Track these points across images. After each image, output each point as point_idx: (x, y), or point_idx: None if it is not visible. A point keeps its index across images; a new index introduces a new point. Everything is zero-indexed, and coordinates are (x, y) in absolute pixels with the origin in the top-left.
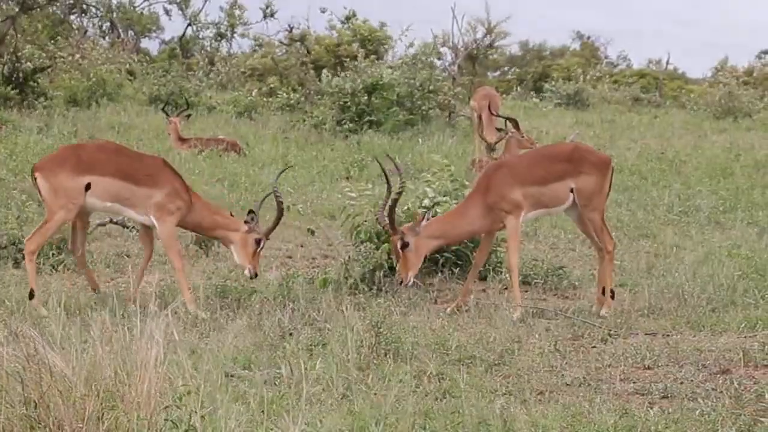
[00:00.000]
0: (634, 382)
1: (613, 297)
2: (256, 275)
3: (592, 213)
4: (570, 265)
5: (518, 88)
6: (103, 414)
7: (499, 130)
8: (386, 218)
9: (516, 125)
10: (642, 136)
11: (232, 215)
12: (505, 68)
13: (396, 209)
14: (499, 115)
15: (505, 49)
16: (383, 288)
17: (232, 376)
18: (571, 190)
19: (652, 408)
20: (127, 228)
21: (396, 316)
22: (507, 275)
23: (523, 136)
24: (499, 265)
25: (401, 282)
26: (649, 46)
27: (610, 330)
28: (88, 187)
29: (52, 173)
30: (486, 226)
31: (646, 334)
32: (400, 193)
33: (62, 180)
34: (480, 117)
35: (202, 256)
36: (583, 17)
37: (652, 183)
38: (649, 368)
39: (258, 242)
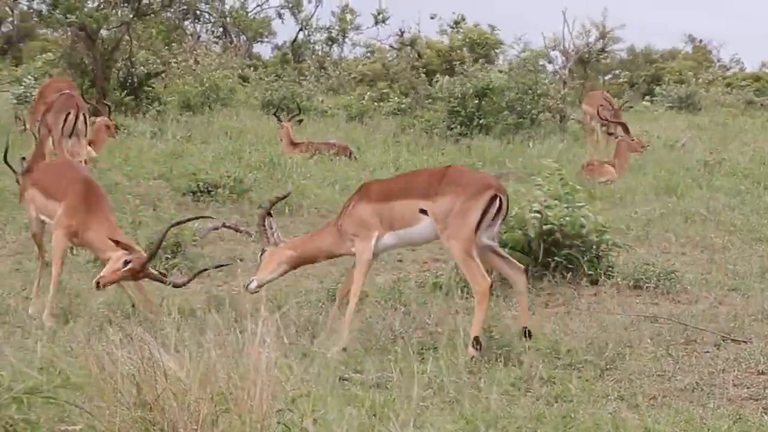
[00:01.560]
0: (747, 388)
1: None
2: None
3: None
4: (682, 269)
5: (629, 92)
6: (217, 417)
7: (609, 134)
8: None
9: (626, 129)
10: (755, 140)
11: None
12: (616, 71)
13: (269, 214)
14: (607, 120)
15: (615, 53)
16: (494, 292)
17: (343, 379)
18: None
19: (766, 414)
20: (240, 232)
21: (507, 320)
22: (620, 280)
23: (633, 140)
24: (610, 269)
25: (245, 285)
26: (762, 49)
27: (724, 335)
28: None
29: None
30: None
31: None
32: (272, 205)
33: None
34: (601, 116)
35: None
36: (692, 20)
37: (764, 187)
38: (763, 373)
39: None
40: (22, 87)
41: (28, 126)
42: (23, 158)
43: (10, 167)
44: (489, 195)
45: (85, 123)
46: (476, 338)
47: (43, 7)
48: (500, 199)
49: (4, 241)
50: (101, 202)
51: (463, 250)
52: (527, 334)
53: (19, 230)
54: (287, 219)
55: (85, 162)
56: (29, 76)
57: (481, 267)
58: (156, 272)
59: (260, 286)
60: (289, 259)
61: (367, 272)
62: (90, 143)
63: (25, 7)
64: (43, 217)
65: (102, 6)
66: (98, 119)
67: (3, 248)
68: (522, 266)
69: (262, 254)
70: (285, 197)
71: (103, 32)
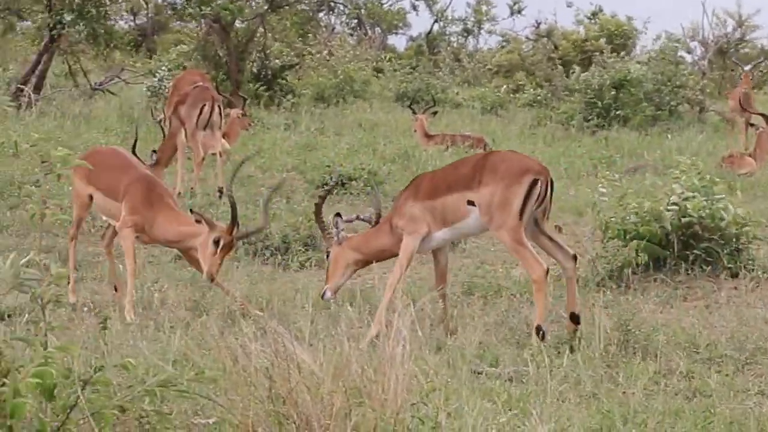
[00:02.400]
0: None
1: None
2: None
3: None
4: None
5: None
6: (350, 410)
7: (750, 125)
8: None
9: (767, 120)
10: None
11: None
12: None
13: (322, 209)
14: (749, 111)
15: (756, 42)
16: (632, 285)
17: (478, 373)
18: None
19: None
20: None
21: (644, 314)
22: (760, 273)
23: None
24: (750, 262)
25: (321, 295)
26: None
27: None
28: None
29: None
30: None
31: None
32: (324, 196)
33: None
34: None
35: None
36: None
37: None
38: None
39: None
40: (156, 79)
41: (167, 116)
42: (154, 151)
43: (139, 159)
44: (528, 180)
45: (220, 115)
46: (538, 327)
47: (177, 0)
48: (542, 182)
49: None
50: (160, 194)
51: (512, 239)
52: (575, 320)
53: None
54: None
55: (220, 154)
56: (163, 68)
57: (535, 253)
58: (246, 231)
59: (334, 293)
60: (355, 262)
61: (408, 266)
62: (224, 135)
63: (160, 0)
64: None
65: None
66: (232, 111)
67: None
68: (572, 252)
69: (327, 257)
70: (335, 186)
71: (238, 24)
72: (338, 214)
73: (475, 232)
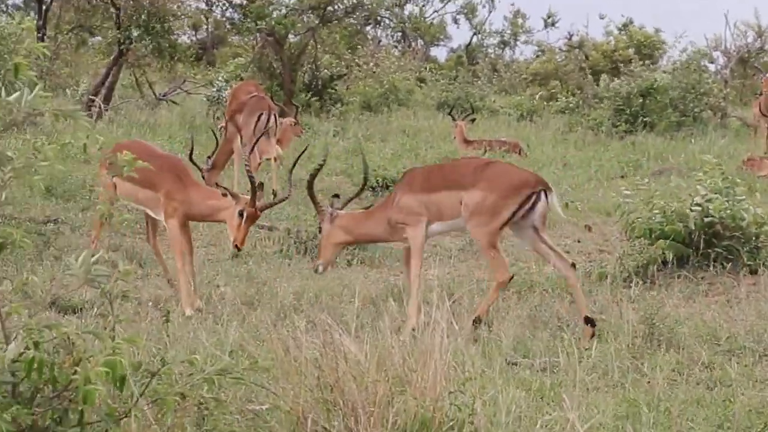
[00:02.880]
0: None
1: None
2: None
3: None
4: None
5: None
6: (392, 398)
7: None
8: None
9: None
10: None
11: None
12: None
13: (314, 185)
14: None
15: None
16: (657, 281)
17: (512, 363)
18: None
19: None
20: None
21: (668, 308)
22: None
23: None
24: None
25: (314, 269)
26: None
27: None
28: None
29: None
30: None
31: None
32: (315, 173)
33: None
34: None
35: None
36: None
37: None
38: None
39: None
40: (215, 89)
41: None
42: (209, 156)
43: (196, 165)
44: (525, 194)
45: (275, 123)
46: (478, 317)
47: (235, 16)
48: (539, 194)
49: (198, 233)
50: (187, 172)
51: (488, 241)
52: (590, 322)
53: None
54: None
55: (274, 159)
56: (221, 79)
57: (505, 259)
58: (267, 202)
59: (326, 267)
60: (345, 241)
61: (421, 254)
62: (278, 142)
63: (219, 16)
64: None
65: (289, 13)
66: (285, 119)
67: (197, 240)
68: (570, 261)
69: (320, 231)
70: (323, 165)
71: (291, 38)
72: (336, 195)
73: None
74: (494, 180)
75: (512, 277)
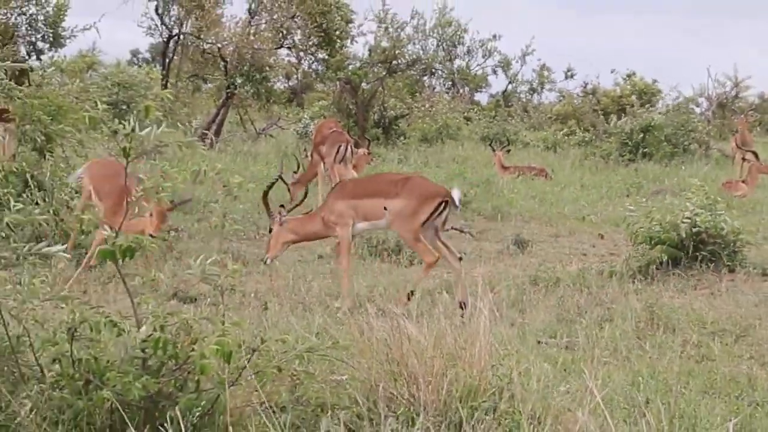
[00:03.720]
0: None
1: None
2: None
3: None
4: None
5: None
6: (446, 370)
7: (743, 159)
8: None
9: (756, 156)
10: None
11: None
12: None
13: (268, 196)
14: (742, 149)
15: (748, 97)
16: (655, 278)
17: (540, 342)
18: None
19: None
20: (464, 233)
21: (665, 299)
22: (751, 269)
23: (761, 164)
24: (743, 261)
25: (263, 260)
26: None
27: None
28: None
29: None
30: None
31: None
32: (270, 186)
33: None
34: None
35: (517, 253)
36: None
37: None
38: None
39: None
40: (302, 125)
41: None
42: (294, 172)
43: (284, 181)
44: (437, 201)
45: (352, 153)
46: (412, 292)
47: (319, 68)
48: (446, 203)
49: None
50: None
51: (412, 237)
52: (462, 306)
53: None
54: (499, 224)
55: None
56: (307, 117)
57: (428, 245)
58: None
59: (272, 260)
60: (290, 240)
61: (349, 250)
62: (353, 167)
63: (306, 68)
64: None
65: (363, 66)
66: (359, 150)
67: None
68: (458, 255)
69: (270, 232)
70: (278, 179)
71: (363, 85)
72: (282, 206)
73: (386, 228)
74: (413, 191)
75: (438, 258)
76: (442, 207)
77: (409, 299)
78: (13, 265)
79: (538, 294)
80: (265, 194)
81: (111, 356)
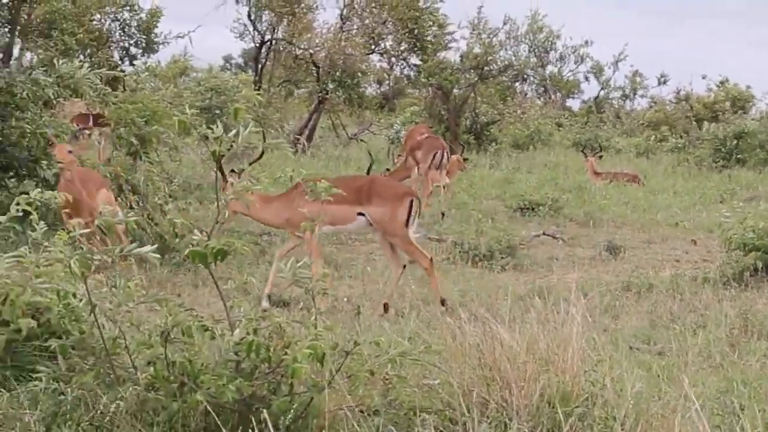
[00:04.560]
0: None
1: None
2: None
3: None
4: None
5: None
6: (539, 375)
7: None
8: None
9: None
10: None
11: None
12: None
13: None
14: None
15: None
16: (749, 284)
17: (634, 348)
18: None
19: None
20: (556, 239)
21: (759, 306)
22: None
23: None
24: None
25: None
26: None
27: None
28: None
29: None
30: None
31: None
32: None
33: None
34: None
35: (610, 259)
36: None
37: None
38: None
39: None
40: (394, 131)
41: (404, 157)
42: (387, 169)
43: None
44: (409, 200)
45: (447, 159)
46: (442, 300)
47: (411, 73)
48: (414, 202)
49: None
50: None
51: (404, 242)
52: (386, 309)
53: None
54: (591, 230)
55: (444, 187)
56: (398, 123)
57: (421, 248)
58: None
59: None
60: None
61: (317, 251)
62: (447, 173)
63: (398, 73)
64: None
65: (454, 72)
66: (453, 156)
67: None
68: (403, 262)
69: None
70: (256, 160)
71: (455, 91)
72: (233, 170)
73: (357, 231)
74: (382, 194)
75: (432, 259)
76: (414, 205)
77: (443, 304)
78: (107, 267)
79: (631, 300)
80: (219, 162)
81: (205, 359)
